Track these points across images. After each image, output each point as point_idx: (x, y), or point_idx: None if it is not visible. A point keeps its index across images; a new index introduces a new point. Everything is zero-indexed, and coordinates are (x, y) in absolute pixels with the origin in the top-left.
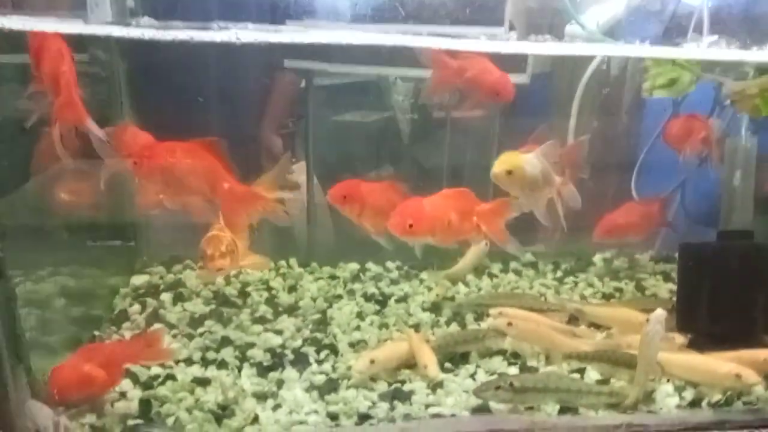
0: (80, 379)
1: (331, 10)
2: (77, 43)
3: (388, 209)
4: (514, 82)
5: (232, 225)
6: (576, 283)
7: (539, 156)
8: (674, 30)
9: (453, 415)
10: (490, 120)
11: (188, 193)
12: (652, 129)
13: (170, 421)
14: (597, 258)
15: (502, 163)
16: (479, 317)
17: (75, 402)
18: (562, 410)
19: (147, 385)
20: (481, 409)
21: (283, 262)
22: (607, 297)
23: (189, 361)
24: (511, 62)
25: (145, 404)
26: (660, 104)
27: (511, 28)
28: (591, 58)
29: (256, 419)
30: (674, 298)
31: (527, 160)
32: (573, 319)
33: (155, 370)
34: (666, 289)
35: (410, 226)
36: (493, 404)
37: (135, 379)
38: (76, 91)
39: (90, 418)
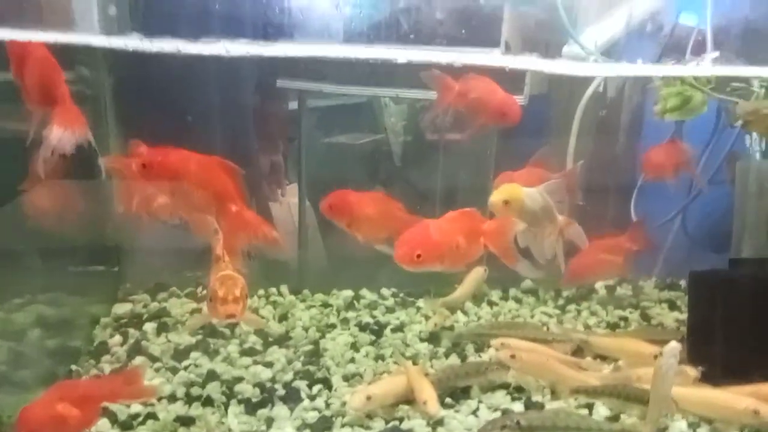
0: (52, 420)
1: (324, 29)
2: (61, 60)
3: (380, 220)
4: None
5: (229, 250)
6: (579, 312)
7: (543, 192)
8: (673, 49)
9: None
10: (487, 142)
11: (193, 207)
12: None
13: None
14: (599, 285)
15: (500, 193)
16: (480, 348)
17: None
18: None
19: (126, 425)
20: None
21: (273, 290)
22: (612, 326)
23: (172, 398)
24: (509, 83)
25: None
26: (659, 124)
27: (507, 49)
28: (588, 80)
29: None
30: (682, 328)
31: (528, 193)
32: (578, 351)
33: (135, 408)
34: (672, 318)
35: (418, 256)
36: None
37: (113, 418)
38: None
39: None
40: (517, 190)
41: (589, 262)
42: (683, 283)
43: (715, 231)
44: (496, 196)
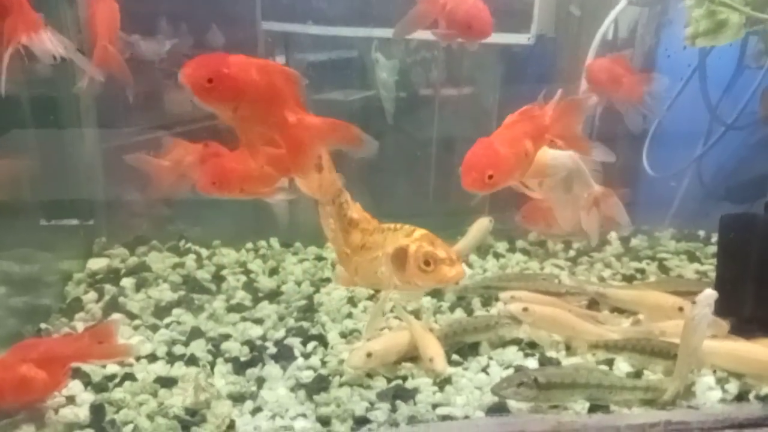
0: (14, 382)
1: None
2: None
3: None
4: (517, 43)
5: (299, 166)
6: (592, 264)
7: (575, 156)
8: None
9: (466, 417)
10: (488, 91)
11: (251, 118)
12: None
13: (128, 430)
14: (612, 236)
15: None
16: (487, 302)
17: (8, 410)
18: (592, 408)
19: (100, 387)
20: (498, 409)
21: (263, 242)
22: (628, 279)
23: (152, 357)
24: (514, 21)
25: (97, 410)
26: (674, 65)
27: None
28: (597, 22)
29: (231, 426)
30: (704, 280)
31: (554, 154)
32: (593, 304)
33: (111, 368)
34: (692, 270)
35: (490, 177)
36: (512, 403)
37: (86, 379)
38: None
39: (27, 430)
40: (541, 152)
41: (543, 210)
42: (702, 233)
43: (731, 181)
44: None
